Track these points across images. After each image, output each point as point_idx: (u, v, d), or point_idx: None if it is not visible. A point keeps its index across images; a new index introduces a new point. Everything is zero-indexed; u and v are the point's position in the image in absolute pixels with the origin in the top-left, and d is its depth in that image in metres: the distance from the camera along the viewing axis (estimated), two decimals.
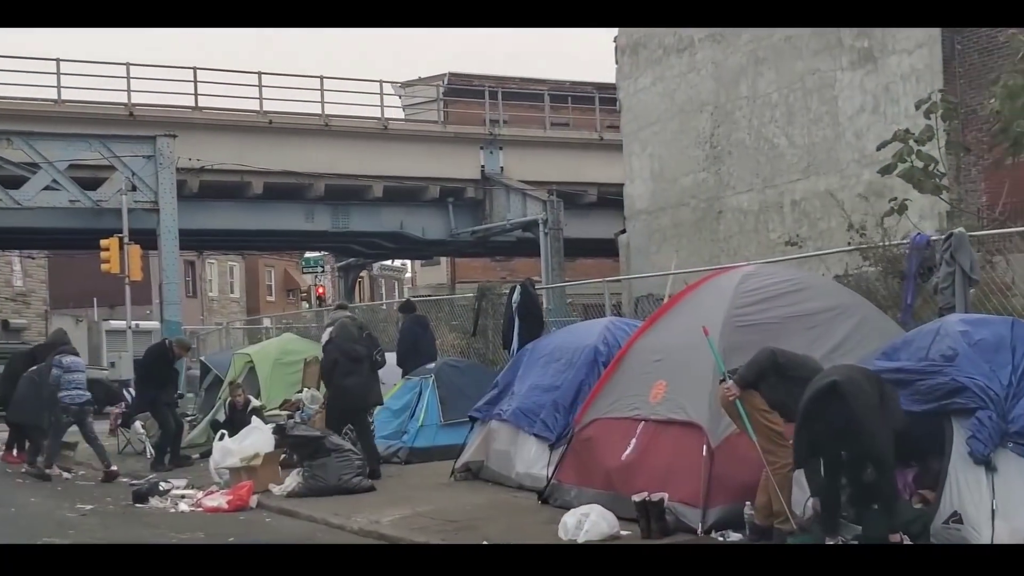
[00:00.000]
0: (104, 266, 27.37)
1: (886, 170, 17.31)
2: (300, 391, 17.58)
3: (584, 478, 9.77)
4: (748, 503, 8.23)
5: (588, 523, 8.81)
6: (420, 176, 34.85)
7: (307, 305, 43.41)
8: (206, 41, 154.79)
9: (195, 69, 32.30)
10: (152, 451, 17.93)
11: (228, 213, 33.60)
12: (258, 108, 33.26)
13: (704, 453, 8.47)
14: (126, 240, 27.74)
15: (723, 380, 8.15)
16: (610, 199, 36.95)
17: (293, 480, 12.31)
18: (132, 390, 19.75)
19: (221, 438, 13.52)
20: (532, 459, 11.14)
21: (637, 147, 29.47)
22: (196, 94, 32.30)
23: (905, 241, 11.43)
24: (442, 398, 14.59)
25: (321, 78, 33.73)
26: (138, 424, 18.37)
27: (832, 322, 9.12)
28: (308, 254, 66.82)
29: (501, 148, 35.89)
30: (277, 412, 17.30)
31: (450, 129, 35.82)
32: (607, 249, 39.25)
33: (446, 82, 45.50)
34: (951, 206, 20.45)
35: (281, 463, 13.30)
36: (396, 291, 74.25)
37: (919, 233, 10.84)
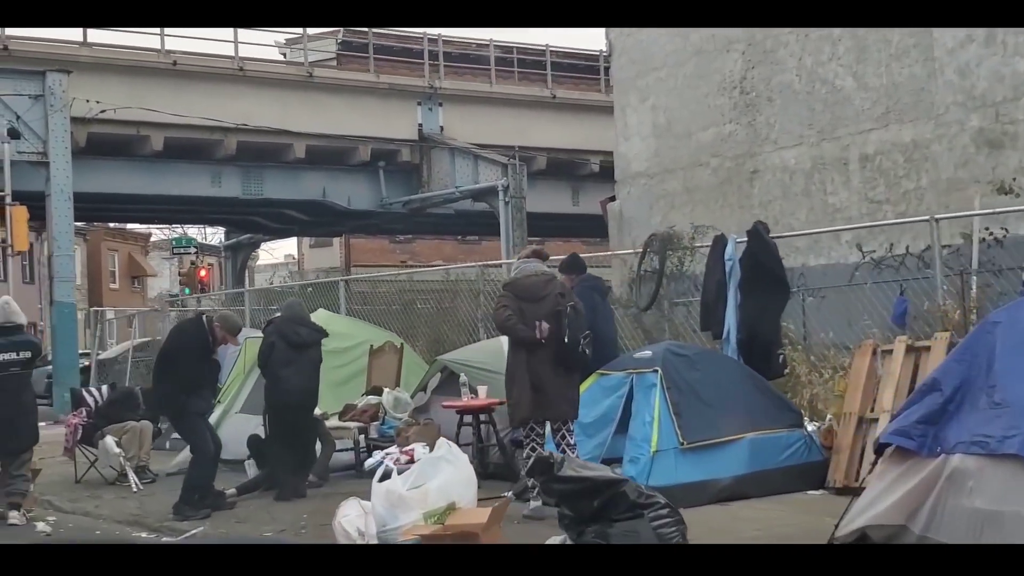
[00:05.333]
0: None
1: None
2: (367, 392, 12.35)
3: None
4: None
5: None
6: (349, 135, 29.56)
7: (187, 291, 37.27)
8: None
9: None
10: (137, 481, 12.39)
11: (120, 174, 27.93)
12: (159, 46, 27.43)
13: None
14: (8, 200, 21.81)
15: None
16: (561, 166, 32.51)
17: None
18: (94, 390, 14.00)
19: (387, 476, 8.12)
20: None
21: (634, 98, 24.82)
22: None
23: None
24: (674, 406, 9.40)
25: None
26: (110, 440, 12.73)
27: None
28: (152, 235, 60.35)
29: (441, 104, 30.85)
30: (340, 424, 12.01)
31: (384, 80, 30.54)
32: (560, 226, 34.87)
33: (340, 39, 40.00)
34: None
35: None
36: (247, 279, 68.16)
37: None
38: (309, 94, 29.22)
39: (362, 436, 11.99)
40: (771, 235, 11.32)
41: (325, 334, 11.63)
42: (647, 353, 9.86)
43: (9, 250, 22.40)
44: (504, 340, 11.90)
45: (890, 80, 19.64)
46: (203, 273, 38.22)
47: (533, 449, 9.02)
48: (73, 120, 25.03)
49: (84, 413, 13.33)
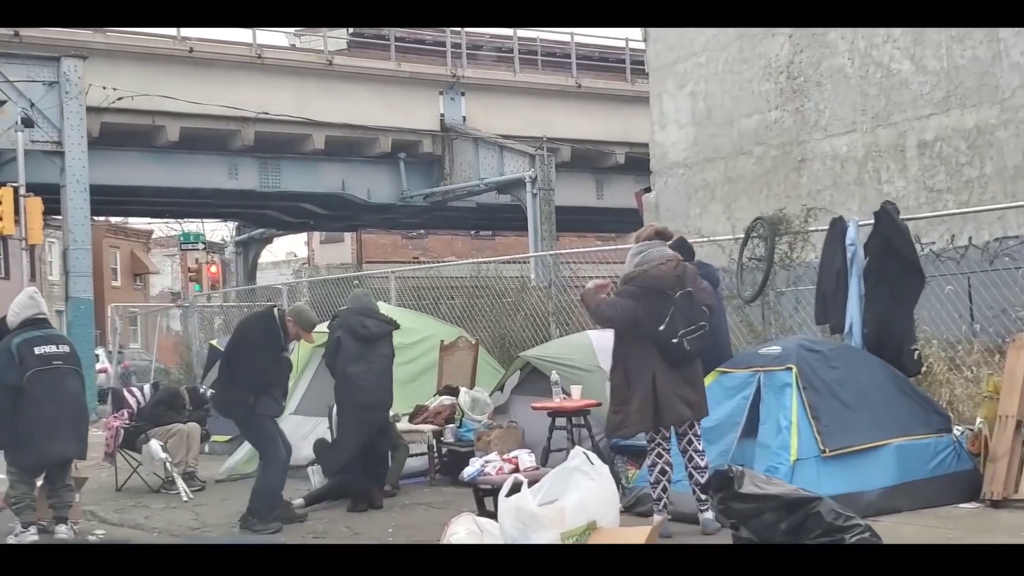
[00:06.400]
0: None
1: None
2: (440, 392, 11.38)
3: None
4: None
5: None
6: (369, 125, 28.60)
7: (198, 288, 36.13)
8: None
9: None
10: (187, 489, 11.41)
11: (134, 165, 26.98)
12: (175, 33, 26.46)
13: None
14: (23, 191, 20.82)
15: None
16: (586, 158, 31.60)
17: None
18: (136, 390, 12.97)
19: (516, 488, 7.25)
20: None
21: (671, 84, 23.85)
22: None
23: None
24: (812, 409, 8.30)
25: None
26: (155, 444, 11.73)
27: None
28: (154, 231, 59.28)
29: (463, 94, 29.87)
30: (412, 427, 11.02)
31: (405, 68, 29.56)
32: (583, 220, 33.99)
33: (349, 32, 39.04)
34: None
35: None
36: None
37: None
38: (328, 83, 28.28)
39: (435, 440, 11.01)
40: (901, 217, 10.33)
41: (396, 326, 10.68)
42: (775, 348, 8.81)
43: (23, 243, 21.36)
44: (592, 335, 10.94)
45: (951, 63, 18.71)
46: (213, 269, 37.08)
47: (659, 456, 8.05)
48: (87, 110, 24.07)
49: (126, 415, 12.31)
